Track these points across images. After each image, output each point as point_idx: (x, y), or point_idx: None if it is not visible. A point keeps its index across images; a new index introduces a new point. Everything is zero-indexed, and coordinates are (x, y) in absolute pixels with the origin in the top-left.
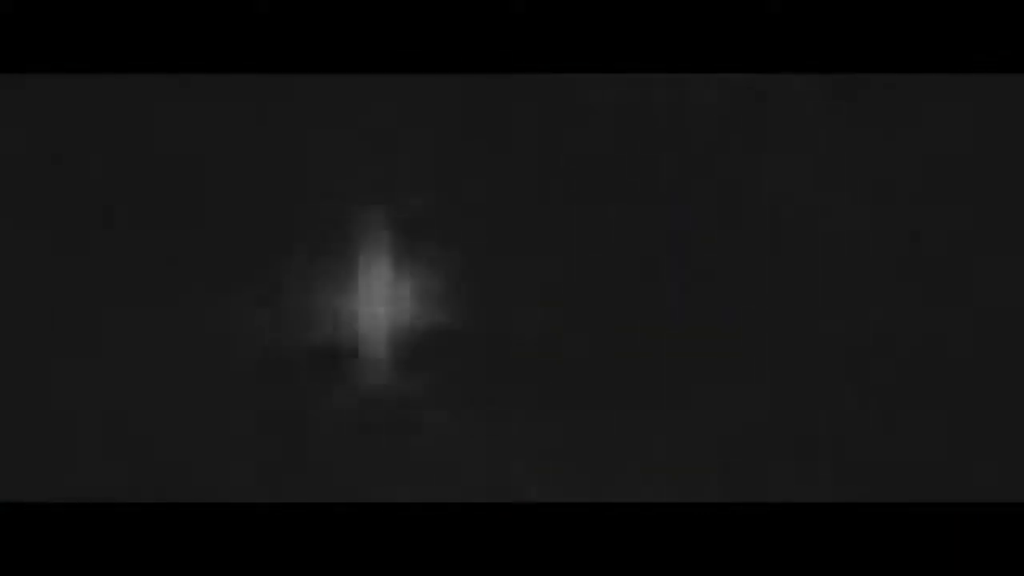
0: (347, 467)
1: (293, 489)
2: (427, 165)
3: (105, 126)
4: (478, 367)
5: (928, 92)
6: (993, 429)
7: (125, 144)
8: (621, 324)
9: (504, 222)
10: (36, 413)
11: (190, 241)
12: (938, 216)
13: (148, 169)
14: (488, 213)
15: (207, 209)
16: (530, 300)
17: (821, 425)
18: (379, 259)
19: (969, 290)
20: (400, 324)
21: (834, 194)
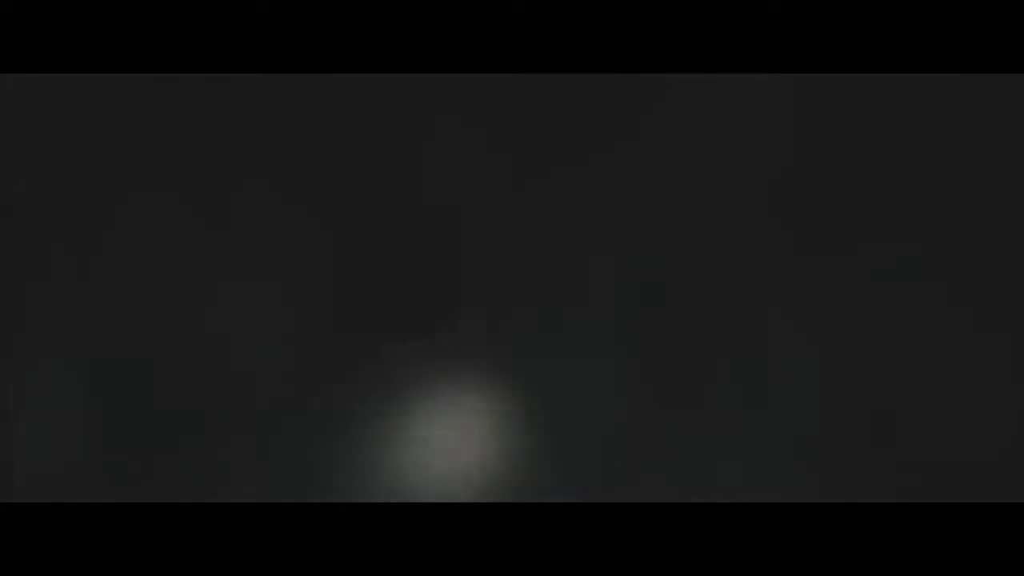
0: None
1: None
2: (427, 164)
3: (105, 126)
4: None
5: (926, 92)
6: None
7: (124, 144)
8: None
9: (504, 220)
10: None
11: (199, 242)
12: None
13: (146, 169)
14: (486, 211)
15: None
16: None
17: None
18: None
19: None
20: None
21: None
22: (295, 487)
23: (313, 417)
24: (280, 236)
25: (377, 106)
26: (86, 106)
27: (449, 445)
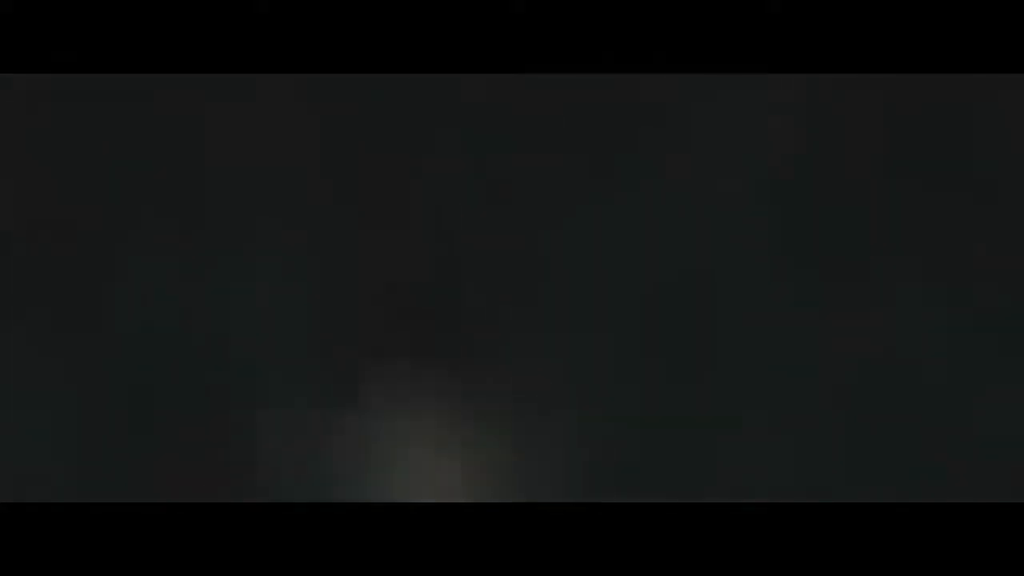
0: None
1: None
2: (427, 163)
3: (105, 126)
4: None
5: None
6: None
7: (124, 144)
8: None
9: (503, 220)
10: None
11: (194, 243)
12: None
13: (145, 170)
14: (487, 212)
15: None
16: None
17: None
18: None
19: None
20: None
21: None
22: (296, 489)
23: (316, 419)
24: (279, 237)
25: (377, 106)
26: (85, 106)
27: (450, 445)
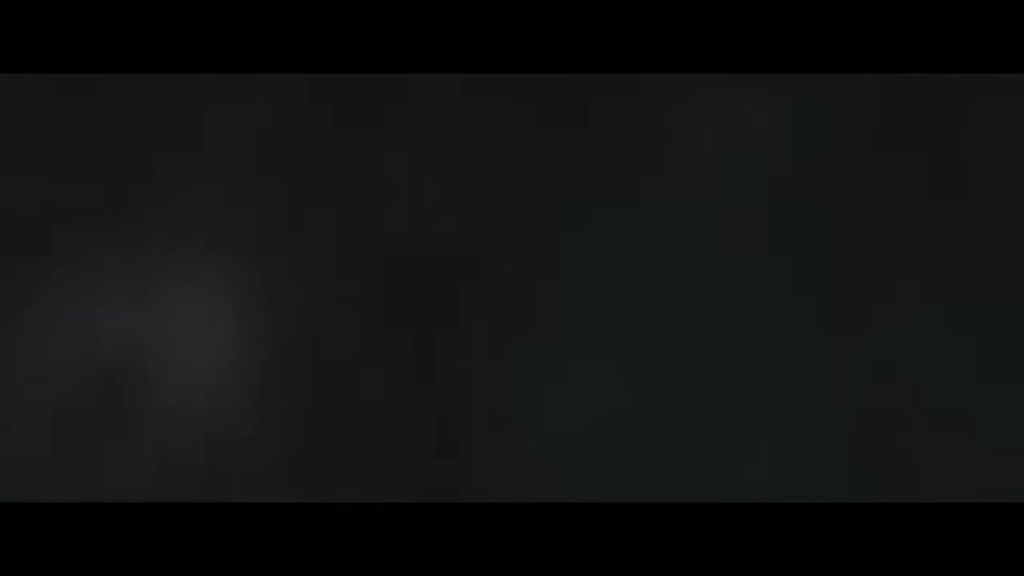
0: None
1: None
2: (427, 164)
3: (105, 126)
4: None
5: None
6: None
7: (124, 144)
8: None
9: (502, 220)
10: None
11: (182, 241)
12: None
13: (143, 169)
14: (488, 212)
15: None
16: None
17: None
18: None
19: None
20: None
21: None
22: (294, 490)
23: (314, 418)
24: (278, 239)
25: (376, 106)
26: (83, 106)
27: (451, 444)
